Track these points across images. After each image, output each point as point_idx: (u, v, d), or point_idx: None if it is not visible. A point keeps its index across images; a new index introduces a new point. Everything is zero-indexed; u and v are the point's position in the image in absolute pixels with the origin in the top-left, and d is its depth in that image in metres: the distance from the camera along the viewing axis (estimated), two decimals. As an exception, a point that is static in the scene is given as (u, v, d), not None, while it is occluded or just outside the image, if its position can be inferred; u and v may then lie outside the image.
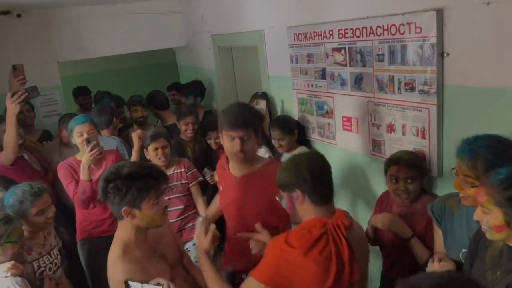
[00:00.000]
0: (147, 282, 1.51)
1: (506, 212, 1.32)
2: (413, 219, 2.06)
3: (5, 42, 4.17)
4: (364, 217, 2.74)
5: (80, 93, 4.90)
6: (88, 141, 2.81)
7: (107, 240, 2.99)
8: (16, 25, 4.23)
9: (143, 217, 1.70)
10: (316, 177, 1.58)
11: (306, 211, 1.61)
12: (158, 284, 1.51)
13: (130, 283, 1.52)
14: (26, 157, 3.29)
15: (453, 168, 1.60)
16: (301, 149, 3.00)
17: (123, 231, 1.75)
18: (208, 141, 3.51)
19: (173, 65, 5.95)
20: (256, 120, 2.04)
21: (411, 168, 2.02)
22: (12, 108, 2.88)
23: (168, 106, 4.37)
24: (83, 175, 2.81)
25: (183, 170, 3.06)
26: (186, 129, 3.53)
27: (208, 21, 4.39)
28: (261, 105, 3.42)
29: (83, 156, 2.81)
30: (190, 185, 3.06)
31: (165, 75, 6.70)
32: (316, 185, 1.58)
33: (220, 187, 2.21)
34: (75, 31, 4.51)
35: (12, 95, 2.87)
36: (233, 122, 1.94)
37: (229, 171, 2.12)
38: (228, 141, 1.99)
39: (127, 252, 1.69)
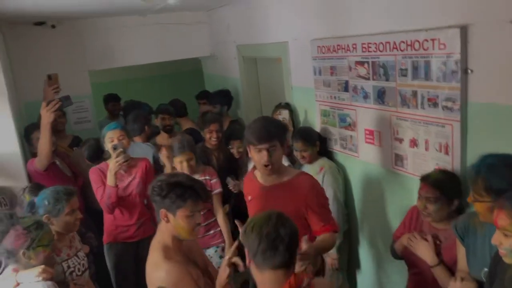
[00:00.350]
0: None
1: None
2: (445, 241, 2.03)
3: (40, 52, 4.37)
4: (385, 231, 2.74)
5: (110, 100, 5.07)
6: (114, 148, 2.91)
7: (131, 246, 3.14)
8: (50, 36, 4.43)
9: (175, 224, 1.81)
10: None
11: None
12: None
13: None
14: (57, 163, 3.44)
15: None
16: (322, 161, 3.03)
17: (162, 237, 1.85)
18: (231, 150, 3.56)
19: (198, 73, 6.07)
20: (281, 131, 2.12)
21: (435, 188, 1.99)
22: (47, 117, 3.02)
23: (186, 114, 4.59)
24: (109, 180, 2.92)
25: (207, 177, 3.09)
26: (210, 137, 3.57)
27: (234, 32, 4.47)
28: (284, 115, 3.46)
29: (110, 162, 2.92)
30: (213, 192, 3.07)
31: (190, 83, 6.83)
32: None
33: (249, 197, 2.27)
34: (105, 41, 4.68)
35: (47, 104, 3.01)
36: (258, 136, 2.04)
37: (258, 181, 2.20)
38: (256, 154, 2.08)
39: (169, 256, 1.79)
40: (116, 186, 2.93)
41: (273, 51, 3.73)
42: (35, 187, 2.84)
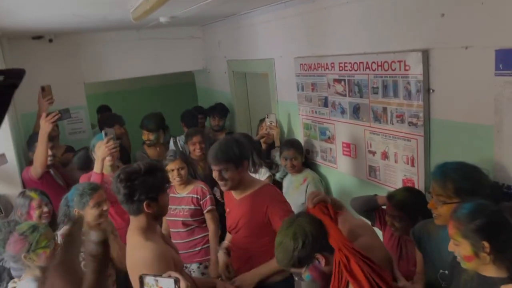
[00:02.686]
0: (160, 276, 1.57)
1: (473, 244, 1.46)
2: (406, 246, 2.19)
3: (37, 65, 4.52)
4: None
5: (102, 111, 5.23)
6: (105, 134, 2.97)
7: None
8: (47, 49, 4.59)
9: (158, 207, 1.92)
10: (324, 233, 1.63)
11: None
12: (170, 276, 1.55)
13: (145, 277, 1.57)
14: (52, 172, 3.57)
15: (429, 192, 1.78)
16: (306, 172, 3.20)
17: (138, 223, 1.93)
18: None
19: (190, 86, 6.25)
20: (236, 155, 2.22)
21: (398, 210, 2.12)
22: (45, 127, 3.17)
23: (196, 124, 4.58)
24: (96, 167, 2.98)
25: (196, 196, 3.05)
26: (194, 149, 3.64)
27: (224, 47, 4.67)
28: (272, 118, 3.58)
29: (100, 149, 2.98)
30: (204, 211, 3.05)
31: (183, 94, 7.01)
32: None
33: (227, 210, 2.45)
34: (101, 54, 4.86)
35: (47, 115, 3.17)
36: (210, 157, 2.25)
37: (233, 195, 2.37)
38: (213, 172, 2.27)
39: (149, 237, 1.89)
40: (102, 173, 2.98)
41: (261, 66, 3.93)
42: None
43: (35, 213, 2.76)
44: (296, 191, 3.15)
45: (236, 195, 2.34)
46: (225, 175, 2.21)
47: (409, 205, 2.13)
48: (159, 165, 2.03)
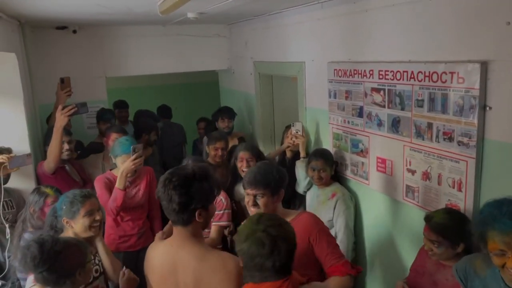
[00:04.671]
0: None
1: None
2: (452, 278, 1.93)
3: (59, 56, 4.43)
4: (393, 261, 2.67)
5: (116, 107, 5.09)
6: (134, 150, 2.88)
7: (132, 256, 3.11)
8: (70, 40, 4.48)
9: (207, 216, 1.76)
10: None
11: None
12: None
13: None
14: (67, 167, 3.44)
15: (489, 250, 1.44)
16: (335, 186, 2.95)
17: (192, 233, 1.75)
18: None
19: (214, 85, 6.09)
20: (274, 181, 2.03)
21: (436, 233, 1.91)
22: (61, 120, 3.03)
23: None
24: (118, 183, 2.88)
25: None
26: (215, 154, 3.47)
27: (251, 48, 4.48)
28: (298, 127, 3.36)
29: (124, 164, 2.88)
30: (213, 222, 2.86)
31: (205, 94, 6.88)
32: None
33: None
34: (124, 48, 4.73)
35: (63, 108, 3.02)
36: (247, 181, 2.04)
37: None
38: (246, 196, 2.07)
39: (208, 246, 1.78)
40: (125, 189, 2.89)
41: (290, 70, 3.72)
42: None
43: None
44: (322, 206, 2.90)
45: None
46: (259, 201, 2.00)
47: (449, 229, 1.91)
48: (210, 169, 1.82)
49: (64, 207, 2.28)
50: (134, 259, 3.11)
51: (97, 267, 2.32)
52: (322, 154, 2.95)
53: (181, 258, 1.74)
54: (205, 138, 4.37)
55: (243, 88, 4.88)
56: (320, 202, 2.95)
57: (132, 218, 3.11)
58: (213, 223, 2.85)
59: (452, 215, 1.98)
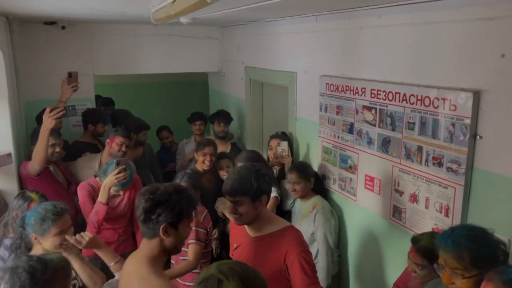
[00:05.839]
0: None
1: None
2: None
3: (47, 51, 4.33)
4: (376, 278, 2.69)
5: (103, 104, 4.98)
6: (117, 163, 2.83)
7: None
8: (59, 36, 4.39)
9: (176, 238, 1.67)
10: None
11: None
12: None
13: None
14: (51, 169, 3.37)
15: (437, 263, 1.58)
16: (316, 199, 2.97)
17: (151, 251, 1.67)
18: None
19: (203, 85, 6.04)
20: (254, 187, 1.93)
21: (422, 256, 1.92)
22: (48, 122, 2.96)
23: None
24: (101, 196, 2.82)
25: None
26: (203, 160, 3.43)
27: (243, 53, 4.45)
28: (283, 146, 3.39)
29: (107, 178, 2.84)
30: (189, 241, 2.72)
31: (194, 93, 6.81)
32: None
33: (234, 245, 2.14)
34: (114, 46, 4.65)
35: (51, 111, 2.96)
36: (224, 188, 1.97)
37: (245, 229, 2.07)
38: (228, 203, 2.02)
39: (159, 273, 1.64)
40: (107, 204, 2.85)
41: (281, 79, 3.70)
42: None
43: None
44: (305, 220, 2.91)
45: (250, 231, 2.04)
46: (239, 209, 1.94)
47: (435, 253, 1.89)
48: (192, 191, 1.80)
49: (33, 223, 2.14)
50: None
51: (75, 281, 2.24)
52: (296, 167, 2.98)
53: (131, 273, 1.69)
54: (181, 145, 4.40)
55: (233, 92, 4.84)
56: (302, 216, 2.96)
57: (112, 226, 3.07)
58: (190, 240, 2.69)
59: (435, 237, 2.01)
